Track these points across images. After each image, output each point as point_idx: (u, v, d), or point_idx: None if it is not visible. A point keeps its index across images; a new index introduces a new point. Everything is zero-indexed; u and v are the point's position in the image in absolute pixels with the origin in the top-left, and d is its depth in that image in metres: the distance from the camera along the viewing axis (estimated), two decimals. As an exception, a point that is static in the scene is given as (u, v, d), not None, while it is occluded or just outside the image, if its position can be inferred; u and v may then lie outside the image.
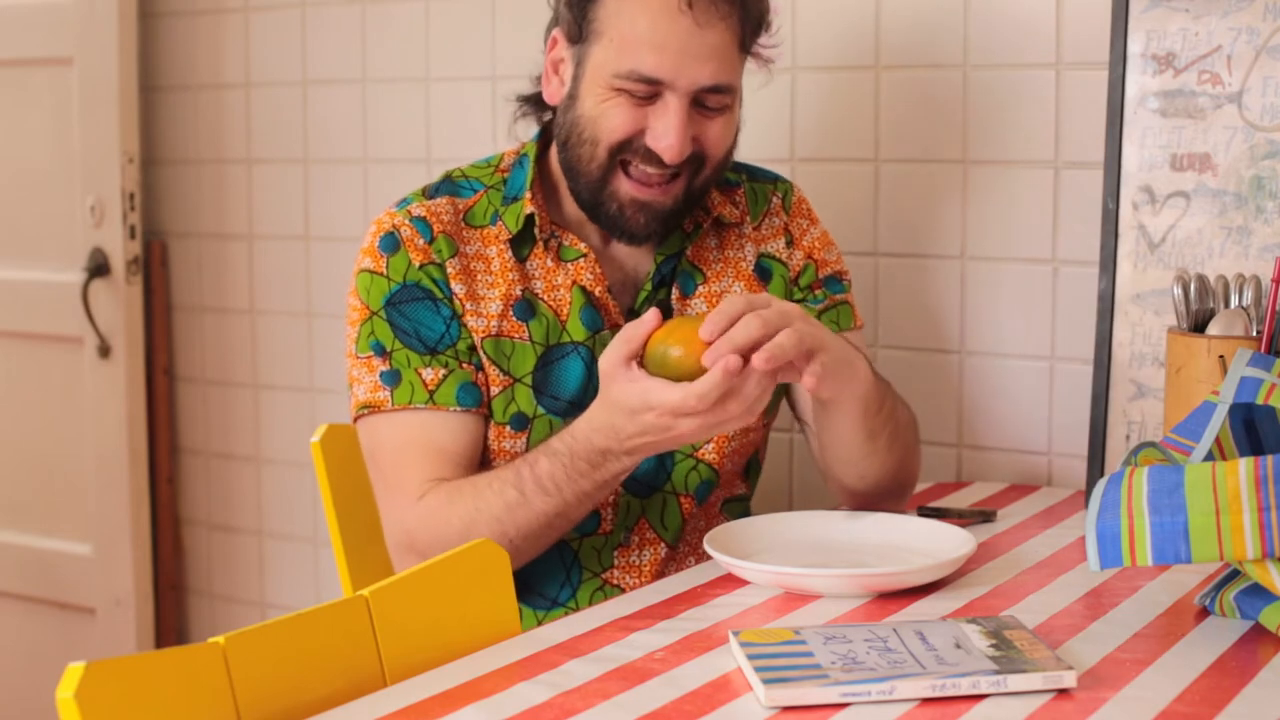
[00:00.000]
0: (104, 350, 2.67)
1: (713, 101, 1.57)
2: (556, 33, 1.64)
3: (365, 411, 1.61)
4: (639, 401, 1.42)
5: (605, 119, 1.57)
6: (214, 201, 2.68)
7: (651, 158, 1.57)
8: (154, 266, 2.72)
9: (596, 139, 1.58)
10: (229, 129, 2.65)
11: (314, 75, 2.54)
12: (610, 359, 1.44)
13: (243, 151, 2.64)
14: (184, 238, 2.73)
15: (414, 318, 1.61)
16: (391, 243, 1.62)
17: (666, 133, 1.55)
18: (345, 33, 2.50)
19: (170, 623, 2.78)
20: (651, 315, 1.42)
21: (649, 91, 1.55)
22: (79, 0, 2.63)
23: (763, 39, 1.64)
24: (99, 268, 2.66)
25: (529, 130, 1.74)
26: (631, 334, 1.43)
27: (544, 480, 1.50)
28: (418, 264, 1.61)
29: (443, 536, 1.53)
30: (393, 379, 1.60)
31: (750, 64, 1.66)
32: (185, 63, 2.69)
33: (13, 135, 2.80)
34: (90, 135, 2.66)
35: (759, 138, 2.11)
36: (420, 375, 1.59)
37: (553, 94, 1.65)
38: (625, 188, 1.59)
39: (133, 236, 2.66)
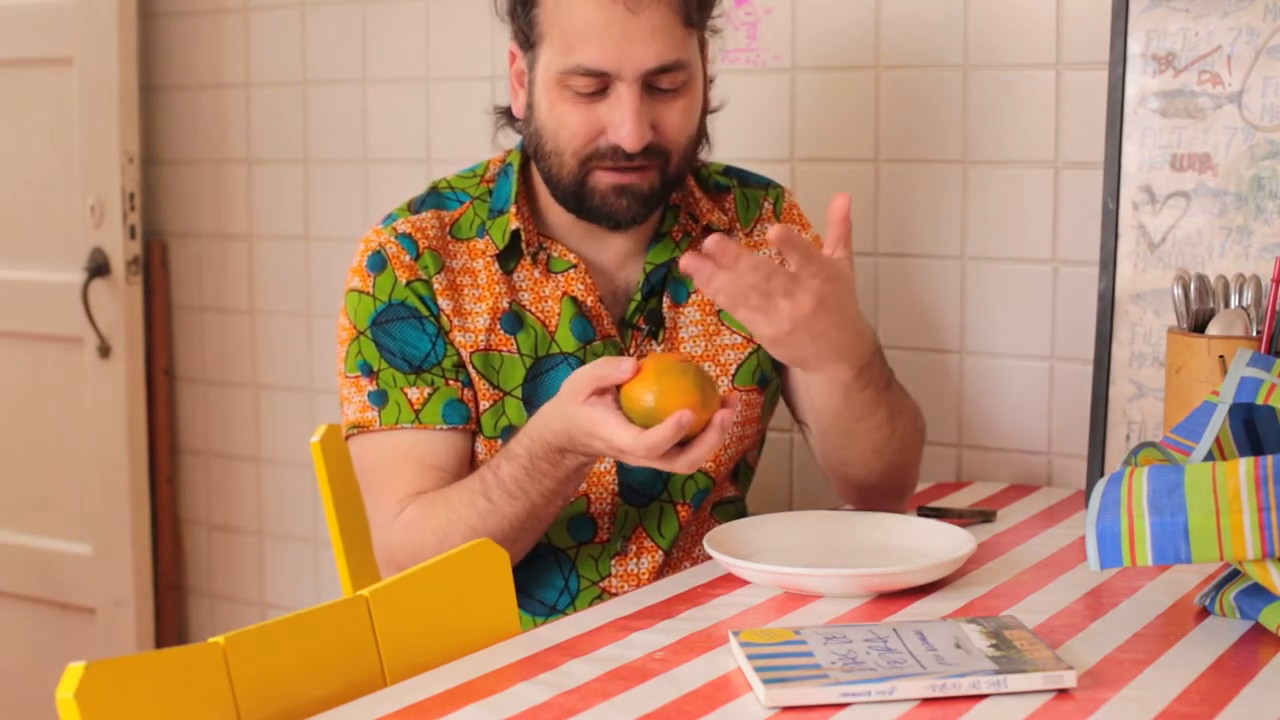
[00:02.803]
0: (104, 350, 2.67)
1: (665, 82, 1.56)
2: (512, 45, 1.64)
3: (355, 431, 1.62)
4: (591, 427, 1.42)
5: (563, 126, 1.57)
6: (214, 201, 2.68)
7: (619, 155, 1.56)
8: (154, 266, 2.72)
9: (560, 149, 1.58)
10: (229, 129, 2.65)
11: (314, 75, 2.54)
12: (584, 378, 1.43)
13: (243, 151, 2.64)
14: (184, 238, 2.73)
15: (400, 337, 1.61)
16: (378, 261, 1.62)
17: (623, 122, 1.54)
18: (345, 33, 2.50)
19: (170, 623, 2.78)
20: (630, 365, 1.41)
21: (597, 86, 1.55)
22: (79, 0, 2.63)
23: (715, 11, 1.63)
24: (99, 268, 2.66)
25: (511, 140, 1.73)
26: (608, 372, 1.41)
27: (508, 484, 1.51)
28: (404, 281, 1.61)
29: (419, 551, 1.54)
30: (380, 399, 1.60)
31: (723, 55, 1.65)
32: (185, 63, 2.69)
33: (13, 135, 2.80)
34: (90, 135, 2.66)
35: (759, 138, 2.11)
36: (406, 395, 1.59)
37: (519, 108, 1.65)
38: (603, 179, 1.58)
39: (133, 236, 2.66)
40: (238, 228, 2.66)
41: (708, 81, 1.66)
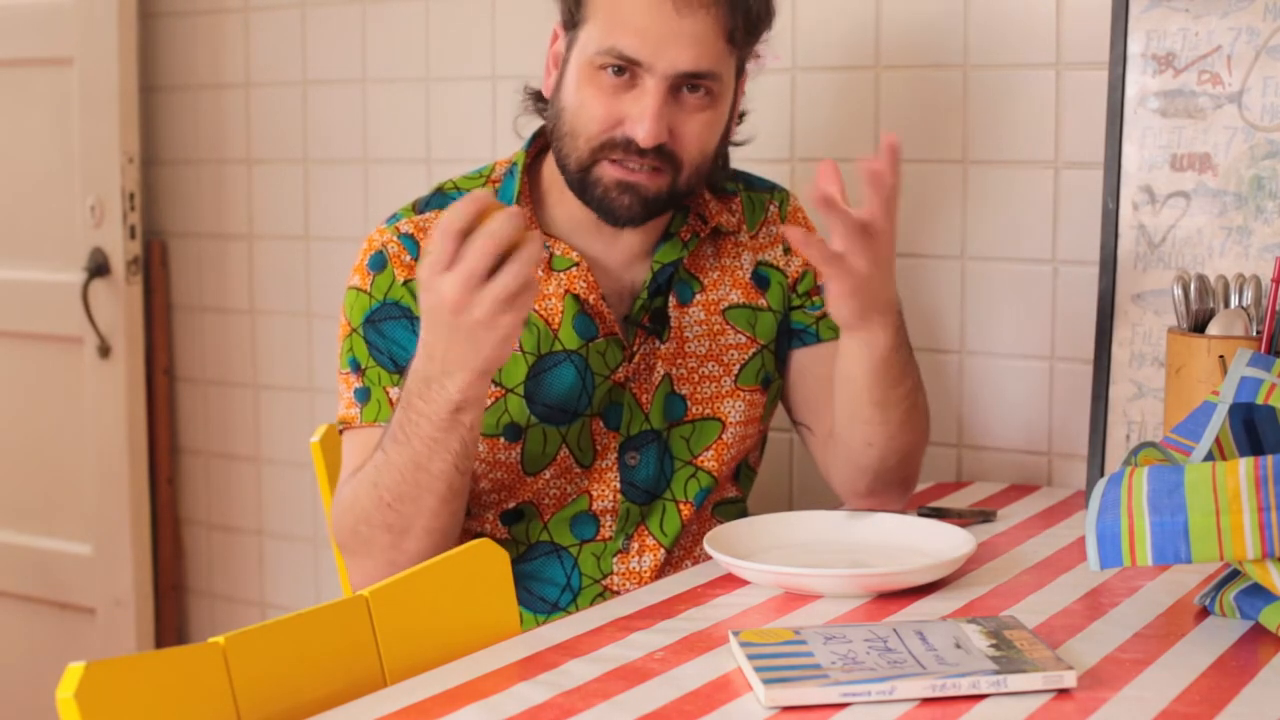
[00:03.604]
0: (104, 350, 2.67)
1: (692, 93, 1.57)
2: (557, 25, 1.66)
3: (341, 427, 1.64)
4: (420, 277, 1.40)
5: (584, 109, 1.57)
6: (214, 201, 2.68)
7: (631, 149, 1.56)
8: (154, 266, 2.72)
9: (577, 132, 1.58)
10: (229, 129, 2.65)
11: (314, 75, 2.54)
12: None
13: (243, 151, 2.64)
14: (184, 238, 2.73)
15: (390, 336, 1.61)
16: (379, 261, 1.63)
17: (642, 117, 1.54)
18: (345, 33, 2.50)
19: (170, 623, 2.78)
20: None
21: (627, 74, 1.55)
22: (79, 0, 2.63)
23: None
24: (99, 268, 2.66)
25: (530, 126, 1.74)
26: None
27: (396, 431, 1.49)
28: (401, 280, 1.62)
29: (344, 523, 1.55)
30: (363, 396, 1.61)
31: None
32: (185, 63, 2.69)
33: (13, 135, 2.80)
34: (90, 135, 2.66)
35: (759, 138, 2.10)
36: (388, 394, 1.60)
37: (549, 86, 1.66)
38: (610, 172, 1.58)
39: (133, 236, 2.66)
40: (238, 228, 2.66)
41: (736, 109, 1.67)
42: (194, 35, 2.67)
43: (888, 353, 1.55)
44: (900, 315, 1.58)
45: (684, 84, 1.56)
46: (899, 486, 1.68)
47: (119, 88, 2.60)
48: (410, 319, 1.61)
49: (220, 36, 2.64)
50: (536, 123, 1.72)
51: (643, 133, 1.54)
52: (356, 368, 1.62)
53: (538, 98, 1.71)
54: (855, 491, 1.68)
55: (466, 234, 1.36)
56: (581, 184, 1.60)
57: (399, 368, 1.60)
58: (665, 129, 1.55)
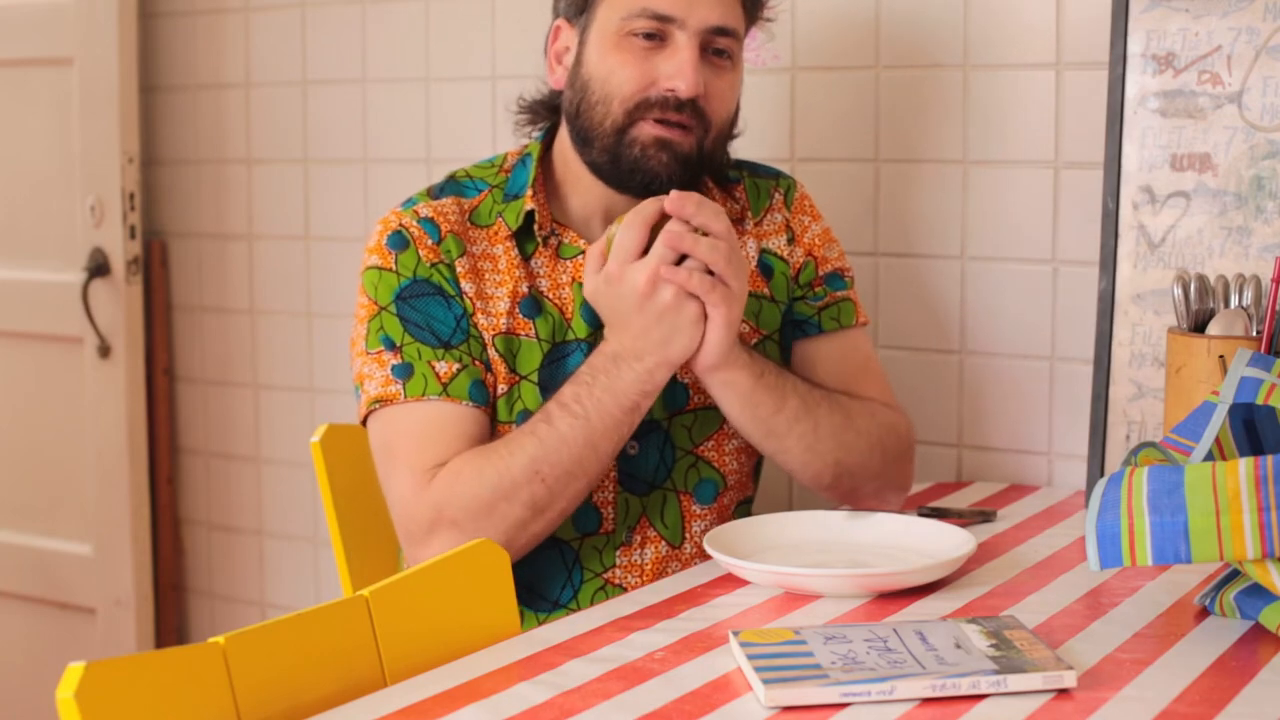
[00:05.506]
0: (104, 350, 2.67)
1: (719, 49, 1.60)
2: (559, 22, 1.66)
3: (377, 406, 1.59)
4: (609, 271, 1.51)
5: (615, 75, 1.59)
6: (214, 201, 2.68)
7: (668, 106, 1.58)
8: (154, 266, 2.72)
9: (609, 97, 1.59)
10: (229, 129, 2.65)
11: (314, 75, 2.54)
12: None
13: (243, 151, 2.64)
14: (184, 238, 2.73)
15: (425, 311, 1.60)
16: (400, 240, 1.63)
17: (681, 69, 1.57)
18: (345, 33, 2.50)
19: (170, 623, 2.78)
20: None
21: (658, 31, 1.58)
22: (79, 0, 2.63)
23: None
24: (99, 268, 2.66)
25: (527, 138, 1.74)
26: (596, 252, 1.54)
27: (569, 403, 1.52)
28: (428, 262, 1.62)
29: (476, 496, 1.52)
30: (405, 371, 1.59)
31: (750, 63, 1.67)
32: (185, 63, 2.69)
33: (13, 135, 2.80)
34: (90, 135, 2.66)
35: (759, 138, 2.11)
36: (434, 368, 1.58)
37: (558, 79, 1.66)
38: (648, 130, 1.59)
39: (133, 236, 2.66)
40: (238, 228, 2.66)
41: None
42: (194, 35, 2.67)
43: (751, 386, 1.55)
44: (747, 349, 1.57)
45: (710, 43, 1.59)
46: (866, 497, 1.66)
47: (119, 88, 2.60)
48: (444, 296, 1.61)
49: (220, 36, 2.64)
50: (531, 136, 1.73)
51: (684, 84, 1.57)
52: (391, 345, 1.60)
53: (538, 108, 1.72)
54: (833, 501, 1.68)
55: (653, 226, 1.50)
56: (615, 151, 1.61)
57: (441, 342, 1.60)
58: (702, 82, 1.58)
